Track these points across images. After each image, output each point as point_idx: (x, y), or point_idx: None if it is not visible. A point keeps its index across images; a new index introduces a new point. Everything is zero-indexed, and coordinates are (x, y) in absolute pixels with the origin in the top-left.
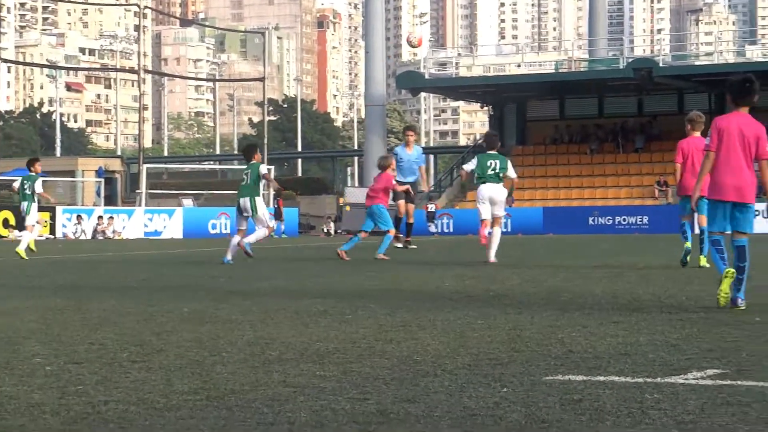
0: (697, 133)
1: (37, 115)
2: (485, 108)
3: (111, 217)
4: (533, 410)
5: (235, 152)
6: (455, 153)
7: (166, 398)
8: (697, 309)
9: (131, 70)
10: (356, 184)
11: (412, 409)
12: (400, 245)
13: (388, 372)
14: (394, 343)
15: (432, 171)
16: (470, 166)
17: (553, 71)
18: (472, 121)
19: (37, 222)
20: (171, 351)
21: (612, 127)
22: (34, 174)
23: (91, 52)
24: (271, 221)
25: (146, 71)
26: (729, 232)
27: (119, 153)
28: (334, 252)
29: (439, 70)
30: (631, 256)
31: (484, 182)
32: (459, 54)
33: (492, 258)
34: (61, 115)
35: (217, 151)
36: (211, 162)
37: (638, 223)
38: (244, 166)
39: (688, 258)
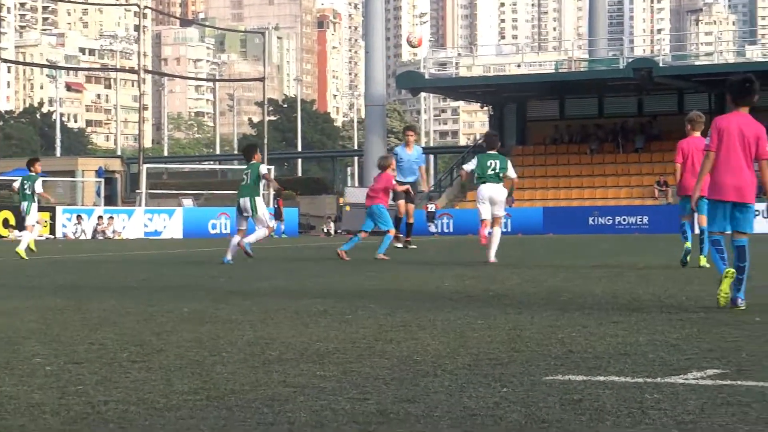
0: (697, 133)
1: (37, 115)
2: (485, 108)
3: (111, 217)
4: (533, 410)
5: (235, 152)
6: (455, 153)
7: (166, 398)
8: (697, 309)
9: (131, 70)
10: (356, 184)
11: (412, 409)
12: (400, 245)
13: (388, 372)
14: (394, 343)
15: (432, 171)
16: (470, 166)
17: (553, 71)
18: (472, 121)
19: (37, 222)
20: (171, 351)
21: (612, 127)
22: (34, 174)
23: (91, 52)
24: (271, 221)
25: (146, 71)
26: (729, 232)
27: (119, 153)
28: (334, 252)
29: (439, 70)
30: (631, 256)
31: (484, 182)
32: (459, 54)
33: (492, 258)
34: (61, 115)
35: (217, 151)
36: (211, 162)
37: (638, 223)
38: (244, 166)
39: (688, 258)
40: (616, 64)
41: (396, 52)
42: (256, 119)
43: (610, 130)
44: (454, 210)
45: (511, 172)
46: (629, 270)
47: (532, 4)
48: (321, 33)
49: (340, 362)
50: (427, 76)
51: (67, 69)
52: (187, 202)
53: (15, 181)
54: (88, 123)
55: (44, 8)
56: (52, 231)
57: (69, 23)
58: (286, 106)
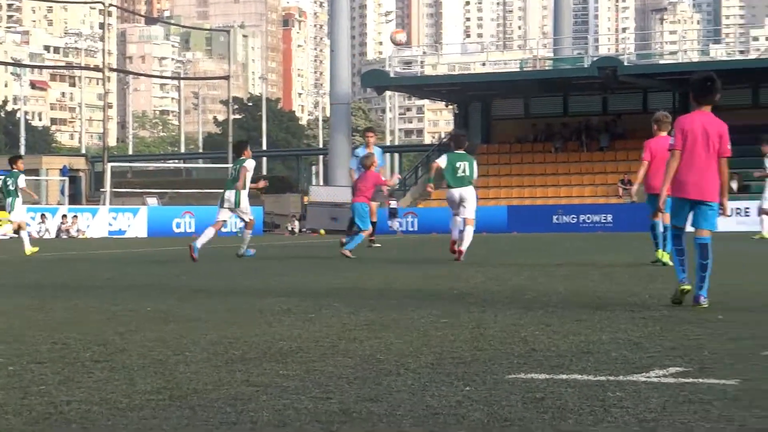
0: (664, 133)
1: (2, 113)
2: (450, 107)
3: (75, 216)
4: (496, 409)
5: (200, 151)
6: (420, 151)
7: (129, 398)
8: (660, 307)
9: (96, 68)
10: (321, 183)
11: (375, 408)
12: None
13: (351, 371)
14: (357, 342)
15: (396, 169)
16: (441, 162)
17: (518, 70)
18: (437, 119)
19: (9, 221)
20: (134, 350)
21: (577, 125)
22: (16, 171)
23: (56, 50)
24: (252, 214)
25: (111, 69)
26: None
27: (84, 151)
28: (336, 253)
29: (404, 69)
30: (594, 254)
31: (454, 186)
32: (424, 52)
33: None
34: (26, 113)
35: (182, 150)
36: (176, 161)
37: (602, 221)
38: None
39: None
40: (581, 62)
41: (361, 51)
42: (221, 118)
43: (574, 129)
44: (418, 209)
45: (474, 174)
46: (593, 268)
47: (498, 3)
48: (286, 31)
49: (304, 361)
50: (392, 75)
51: (32, 67)
52: (152, 201)
53: None
54: (53, 121)
55: (8, 5)
56: (16, 230)
57: (34, 21)
58: (251, 104)
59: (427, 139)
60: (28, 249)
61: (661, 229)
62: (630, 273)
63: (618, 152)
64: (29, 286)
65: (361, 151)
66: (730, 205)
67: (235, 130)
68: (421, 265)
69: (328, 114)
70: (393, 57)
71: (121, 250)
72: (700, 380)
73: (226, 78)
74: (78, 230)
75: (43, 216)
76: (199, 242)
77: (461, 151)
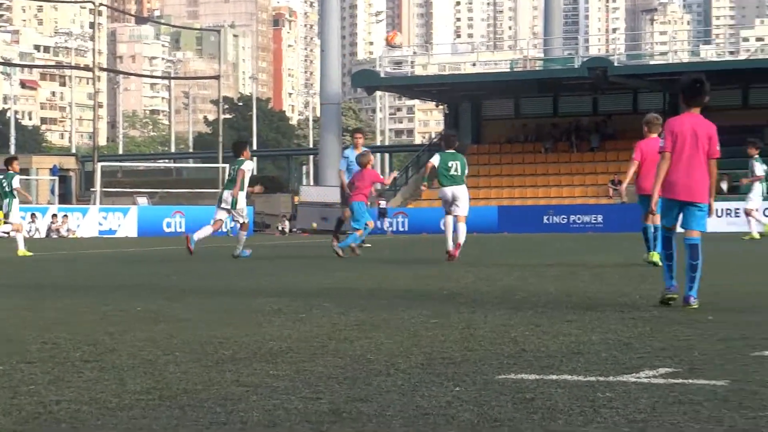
0: (655, 135)
1: None
2: (440, 107)
3: (65, 216)
4: (485, 409)
5: (191, 150)
6: (410, 151)
7: (119, 398)
8: (650, 308)
9: (86, 68)
10: (311, 183)
11: (365, 408)
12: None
13: (341, 371)
14: (347, 342)
15: (387, 169)
16: (434, 161)
17: (509, 70)
18: (428, 119)
19: (6, 222)
20: (124, 350)
21: (567, 126)
22: (12, 172)
23: (46, 49)
24: (247, 217)
25: (101, 69)
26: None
27: (74, 151)
28: (338, 252)
29: (394, 69)
30: (585, 254)
31: (447, 184)
32: (414, 53)
33: (453, 248)
34: (16, 112)
35: (172, 150)
36: (166, 160)
37: (593, 221)
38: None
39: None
40: (571, 63)
41: (352, 51)
42: (211, 117)
43: (565, 130)
44: (408, 209)
45: (465, 172)
46: (583, 269)
47: (488, 3)
48: (276, 31)
49: (294, 361)
50: (382, 75)
51: (22, 66)
52: (142, 201)
53: None
54: (43, 121)
55: None
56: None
57: (24, 20)
58: (241, 104)
59: (418, 140)
60: (21, 251)
61: (652, 230)
62: (620, 273)
63: (608, 153)
64: (19, 285)
65: (349, 152)
66: (720, 205)
67: (226, 129)
68: (412, 265)
69: (318, 114)
70: (383, 57)
71: (111, 249)
72: (690, 381)
73: (217, 78)
74: (68, 230)
75: (33, 215)
76: (197, 235)
77: (452, 151)
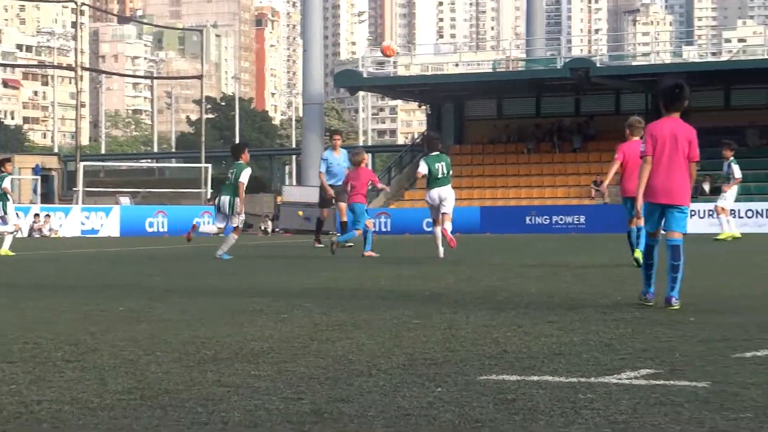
0: (637, 138)
1: None
2: (423, 107)
3: (47, 215)
4: (467, 410)
5: (173, 150)
6: (393, 152)
7: (100, 398)
8: (632, 309)
9: (68, 67)
10: (294, 183)
11: (346, 408)
12: (321, 245)
13: (322, 371)
14: (329, 343)
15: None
16: (423, 170)
17: (491, 71)
18: (410, 120)
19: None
20: (105, 350)
21: (549, 127)
22: (5, 173)
23: (29, 48)
24: (242, 222)
25: (83, 68)
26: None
27: (56, 150)
28: (361, 255)
29: (377, 69)
30: (567, 255)
31: (434, 186)
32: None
33: (442, 256)
34: None
35: (155, 149)
36: (149, 160)
37: (575, 222)
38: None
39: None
40: (554, 64)
41: (334, 51)
42: (194, 117)
43: (547, 130)
44: (391, 209)
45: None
46: (565, 269)
47: (471, 4)
48: (259, 31)
49: (275, 362)
50: (365, 75)
51: (4, 65)
52: (125, 201)
53: None
54: (25, 120)
55: None
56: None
57: (6, 19)
58: (224, 104)
59: (400, 140)
60: (4, 250)
61: (635, 232)
62: (603, 274)
63: (591, 153)
64: (0, 285)
65: (328, 154)
66: (703, 206)
67: (208, 129)
68: (394, 265)
69: (301, 114)
70: (366, 57)
71: (93, 249)
72: (671, 382)
73: (199, 77)
74: (50, 229)
75: (16, 215)
76: (203, 228)
77: (436, 153)
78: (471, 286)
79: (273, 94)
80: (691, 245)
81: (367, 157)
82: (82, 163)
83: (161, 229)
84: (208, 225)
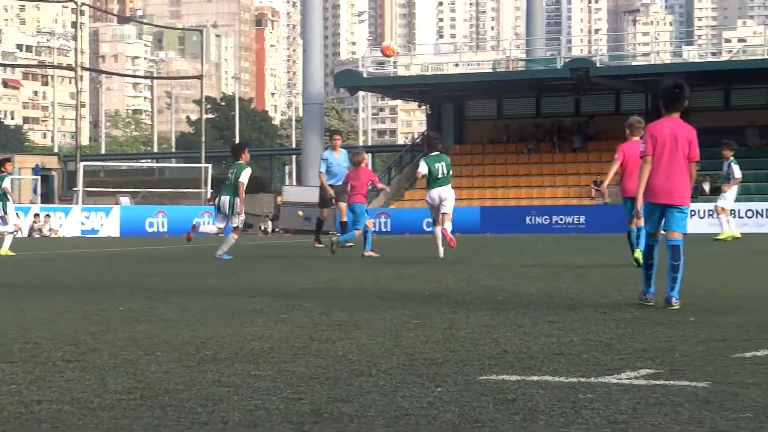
0: (637, 138)
1: None
2: (423, 107)
3: (48, 215)
4: (467, 410)
5: (173, 150)
6: (393, 152)
7: (100, 398)
8: (632, 309)
9: (68, 67)
10: (294, 183)
11: (346, 408)
12: (321, 245)
13: (322, 371)
14: (329, 343)
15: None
16: (423, 170)
17: (491, 71)
18: (410, 120)
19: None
20: (105, 350)
21: (549, 126)
22: (5, 173)
23: (29, 48)
24: (242, 222)
25: (83, 68)
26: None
27: (56, 150)
28: (362, 255)
29: (377, 69)
30: (567, 255)
31: (434, 186)
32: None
33: (442, 256)
34: None
35: (155, 149)
36: (149, 160)
37: (575, 222)
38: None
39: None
40: (554, 64)
41: (334, 51)
42: (194, 117)
43: (547, 130)
44: (391, 209)
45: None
46: (565, 269)
47: (471, 4)
48: (259, 31)
49: (275, 362)
50: (365, 75)
51: (4, 65)
52: (125, 201)
53: None
54: (25, 120)
55: None
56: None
57: (6, 19)
58: (224, 104)
59: (400, 140)
60: (4, 250)
61: (635, 232)
62: (603, 274)
63: (590, 153)
64: (1, 285)
65: (328, 154)
66: (702, 206)
67: (208, 129)
68: (394, 265)
69: (301, 114)
70: (366, 57)
71: (93, 249)
72: (671, 382)
73: (199, 77)
74: (50, 229)
75: (16, 215)
76: (203, 228)
77: (436, 153)
78: (471, 286)
79: (273, 94)
80: (691, 245)
81: (367, 157)
82: (82, 163)
83: (161, 229)
84: (208, 225)
